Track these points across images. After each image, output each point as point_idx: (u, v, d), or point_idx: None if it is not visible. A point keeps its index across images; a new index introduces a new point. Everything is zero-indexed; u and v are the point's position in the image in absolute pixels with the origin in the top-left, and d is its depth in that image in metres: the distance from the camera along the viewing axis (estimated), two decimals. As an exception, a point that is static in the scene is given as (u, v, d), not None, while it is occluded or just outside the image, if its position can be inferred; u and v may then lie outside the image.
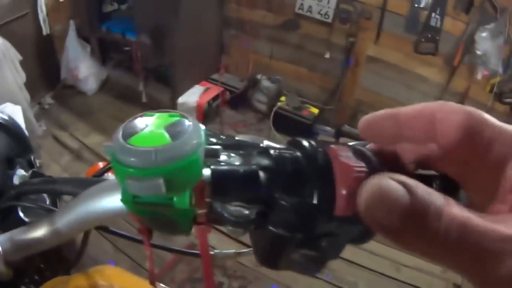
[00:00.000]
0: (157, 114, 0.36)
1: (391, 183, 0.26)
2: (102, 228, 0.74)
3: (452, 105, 0.31)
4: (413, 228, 0.25)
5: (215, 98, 4.10)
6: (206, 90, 4.10)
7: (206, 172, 0.34)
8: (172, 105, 4.01)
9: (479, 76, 3.20)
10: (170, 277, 2.65)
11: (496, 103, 3.26)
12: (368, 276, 2.85)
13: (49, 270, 0.90)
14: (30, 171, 0.79)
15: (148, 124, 0.34)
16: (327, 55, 3.80)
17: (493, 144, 0.28)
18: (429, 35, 3.29)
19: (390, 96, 3.77)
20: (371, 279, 2.84)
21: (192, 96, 4.01)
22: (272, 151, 0.36)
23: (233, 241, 2.43)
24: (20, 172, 0.78)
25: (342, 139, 3.93)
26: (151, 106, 4.10)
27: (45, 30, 3.75)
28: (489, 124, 0.29)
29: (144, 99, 4.12)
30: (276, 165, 0.35)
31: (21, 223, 0.68)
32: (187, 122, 0.34)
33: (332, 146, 0.34)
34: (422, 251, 0.25)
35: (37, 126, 3.46)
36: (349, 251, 2.91)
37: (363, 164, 0.32)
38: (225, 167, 0.36)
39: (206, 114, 4.03)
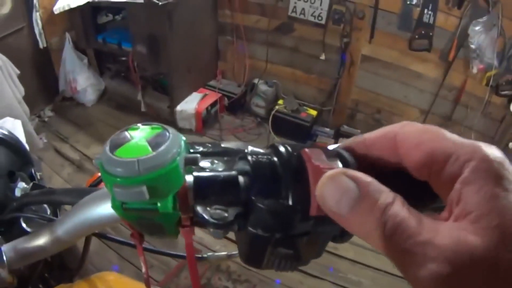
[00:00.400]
0: (141, 127, 0.39)
1: (342, 177, 0.31)
2: (101, 235, 0.76)
3: (412, 125, 0.34)
4: (358, 217, 0.29)
5: (213, 105, 4.12)
6: (204, 96, 4.11)
7: (189, 178, 0.37)
8: (170, 113, 4.03)
9: (474, 70, 3.21)
10: (175, 284, 2.66)
11: (493, 96, 3.27)
12: (372, 274, 2.86)
13: (53, 279, 0.92)
14: (31, 184, 0.81)
15: (132, 136, 0.37)
16: (323, 57, 3.81)
17: (449, 160, 0.30)
18: (423, 32, 3.30)
19: (387, 94, 3.79)
20: (375, 277, 2.85)
21: (190, 103, 4.03)
22: (250, 157, 0.38)
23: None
24: (22, 185, 0.80)
25: (341, 140, 3.95)
26: (150, 115, 4.12)
27: (42, 44, 3.78)
28: (447, 139, 0.31)
29: (143, 108, 4.13)
30: (253, 169, 0.38)
31: (24, 233, 0.70)
32: (167, 134, 0.37)
33: (306, 149, 0.37)
34: (365, 238, 0.30)
35: (38, 139, 3.48)
36: (352, 251, 2.93)
37: (335, 166, 0.35)
38: (206, 173, 0.38)
39: (205, 121, 4.06)
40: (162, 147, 0.35)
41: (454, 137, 0.31)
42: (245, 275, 2.76)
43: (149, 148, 0.35)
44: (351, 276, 2.84)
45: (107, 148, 0.36)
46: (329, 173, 0.32)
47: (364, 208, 0.29)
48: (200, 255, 0.76)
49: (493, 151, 0.29)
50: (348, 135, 3.90)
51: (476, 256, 0.25)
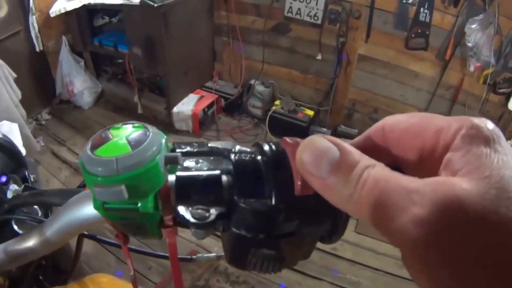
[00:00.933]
0: (122, 127, 0.38)
1: (321, 139, 0.30)
2: (93, 237, 0.76)
3: (397, 115, 0.33)
4: (338, 179, 0.28)
5: (210, 106, 4.12)
6: (201, 98, 4.11)
7: (171, 178, 0.37)
8: (167, 115, 4.03)
9: (471, 68, 3.21)
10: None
11: (490, 94, 3.27)
12: (371, 274, 2.86)
13: (47, 281, 0.92)
14: (22, 186, 0.81)
15: (113, 136, 0.36)
16: (319, 57, 3.81)
17: (440, 135, 0.29)
18: (419, 30, 3.30)
19: (384, 93, 3.79)
20: (374, 277, 2.84)
21: (187, 105, 4.03)
22: (232, 156, 0.38)
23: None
24: (14, 187, 0.80)
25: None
26: (147, 117, 4.12)
27: (38, 47, 3.77)
28: (435, 118, 0.31)
29: (140, 110, 4.13)
30: (235, 168, 0.37)
31: (15, 235, 0.70)
32: (147, 132, 0.37)
33: (286, 138, 0.36)
34: (346, 204, 0.29)
35: (35, 143, 3.47)
36: (350, 251, 2.92)
37: None
38: (188, 173, 0.38)
39: (201, 122, 4.05)
40: (141, 146, 0.35)
41: (442, 116, 0.31)
42: (243, 277, 2.75)
43: (129, 147, 0.35)
44: (350, 276, 2.84)
45: (88, 147, 0.35)
46: (308, 138, 0.31)
47: (345, 169, 0.28)
48: (189, 256, 0.76)
49: (484, 121, 0.29)
50: (345, 135, 3.90)
51: (467, 201, 0.24)
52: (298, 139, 0.34)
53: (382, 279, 2.82)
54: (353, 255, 2.94)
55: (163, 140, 0.37)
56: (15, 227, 0.73)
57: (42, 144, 3.83)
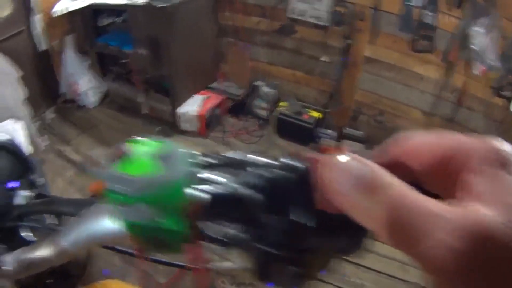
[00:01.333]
0: (145, 142, 0.38)
1: (346, 156, 0.30)
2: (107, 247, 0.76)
3: (411, 132, 0.33)
4: (361, 195, 0.28)
5: (215, 107, 4.11)
6: (206, 99, 4.11)
7: (197, 194, 0.36)
8: (172, 115, 4.03)
9: (476, 71, 3.20)
10: (180, 286, 2.65)
11: (495, 97, 3.26)
12: (375, 277, 2.85)
13: (56, 286, 0.92)
14: (36, 192, 0.81)
15: (136, 152, 0.36)
16: (324, 58, 3.80)
17: (456, 154, 0.29)
18: (424, 33, 3.29)
19: (389, 96, 3.78)
20: (378, 280, 2.84)
21: (192, 105, 4.02)
22: (255, 170, 0.38)
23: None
24: (23, 192, 0.80)
25: (344, 142, 3.94)
26: (152, 117, 4.12)
27: (42, 46, 3.79)
28: (451, 136, 0.30)
29: (144, 110, 4.13)
30: (261, 185, 0.37)
31: (24, 241, 0.70)
32: (173, 150, 0.36)
33: (308, 153, 0.36)
34: (368, 221, 0.28)
35: (40, 142, 3.47)
36: (354, 254, 2.92)
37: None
38: (212, 190, 0.37)
39: (208, 123, 4.05)
40: (167, 165, 0.34)
41: (460, 134, 0.30)
42: (250, 279, 2.74)
43: (154, 165, 0.34)
44: (354, 279, 2.83)
45: (109, 163, 0.35)
46: (332, 155, 0.31)
47: (369, 188, 0.28)
48: (206, 266, 0.75)
49: (500, 141, 0.28)
50: (350, 137, 3.90)
51: (494, 230, 0.23)
52: (321, 155, 0.34)
53: (386, 281, 2.82)
54: (358, 257, 2.92)
55: (188, 158, 0.37)
56: (24, 234, 0.73)
57: (47, 143, 3.82)
